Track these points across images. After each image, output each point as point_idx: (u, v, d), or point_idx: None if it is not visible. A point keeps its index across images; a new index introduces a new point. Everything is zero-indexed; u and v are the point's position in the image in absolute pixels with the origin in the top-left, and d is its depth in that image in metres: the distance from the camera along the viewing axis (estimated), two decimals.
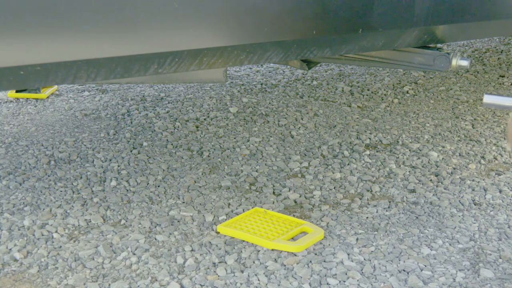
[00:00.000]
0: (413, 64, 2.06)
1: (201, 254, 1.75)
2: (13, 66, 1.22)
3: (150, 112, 2.96)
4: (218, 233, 1.85)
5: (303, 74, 3.63)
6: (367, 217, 1.97)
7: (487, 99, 1.51)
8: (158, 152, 2.48)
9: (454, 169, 2.35)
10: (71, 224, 1.92)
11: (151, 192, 2.13)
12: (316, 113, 2.95)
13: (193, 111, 2.97)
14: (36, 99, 3.18)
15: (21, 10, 1.18)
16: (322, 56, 1.72)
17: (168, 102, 3.11)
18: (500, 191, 2.16)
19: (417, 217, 1.98)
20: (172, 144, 2.56)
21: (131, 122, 2.82)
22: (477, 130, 2.76)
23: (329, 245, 1.80)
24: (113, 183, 2.19)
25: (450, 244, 1.81)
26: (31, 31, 1.21)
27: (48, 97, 3.22)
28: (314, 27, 1.56)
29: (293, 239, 1.83)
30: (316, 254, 1.75)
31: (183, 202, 2.07)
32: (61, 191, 2.14)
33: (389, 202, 2.07)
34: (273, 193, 2.15)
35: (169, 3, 1.32)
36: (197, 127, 2.76)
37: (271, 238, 1.80)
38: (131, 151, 2.48)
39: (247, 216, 1.93)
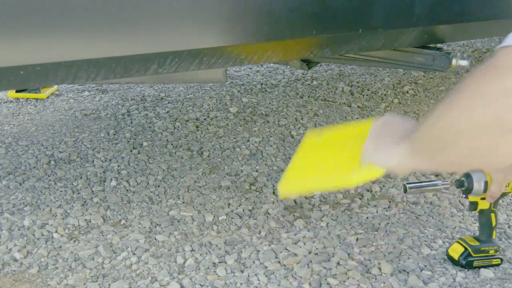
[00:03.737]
0: (413, 64, 2.06)
1: (201, 254, 1.75)
2: (13, 66, 1.22)
3: (150, 112, 2.95)
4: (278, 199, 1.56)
5: (303, 74, 3.63)
6: (367, 217, 1.97)
7: (410, 188, 1.60)
8: (158, 152, 2.48)
9: None
10: (71, 224, 1.91)
11: (151, 192, 2.13)
12: (316, 113, 2.95)
13: (193, 111, 2.97)
14: (36, 99, 3.18)
15: (21, 10, 1.18)
16: (322, 56, 1.72)
17: (168, 102, 3.11)
18: None
19: (417, 217, 1.98)
20: (172, 144, 2.55)
21: (131, 122, 2.82)
22: None
23: (329, 245, 1.80)
24: (113, 183, 2.19)
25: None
26: (31, 31, 1.21)
27: (48, 97, 3.22)
28: (314, 27, 1.56)
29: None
30: (316, 254, 1.75)
31: (183, 202, 2.06)
32: (61, 191, 2.14)
33: (389, 202, 2.07)
34: (273, 193, 2.15)
35: (169, 3, 1.32)
36: (197, 127, 2.76)
37: (345, 172, 1.25)
38: (131, 151, 2.48)
39: (304, 158, 1.40)
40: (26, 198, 2.08)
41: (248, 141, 2.59)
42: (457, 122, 0.89)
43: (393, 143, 1.17)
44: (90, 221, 1.93)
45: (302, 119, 2.86)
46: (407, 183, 1.62)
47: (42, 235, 1.85)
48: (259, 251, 1.76)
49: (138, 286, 1.61)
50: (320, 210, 2.02)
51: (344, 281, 1.63)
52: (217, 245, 1.79)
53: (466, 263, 1.67)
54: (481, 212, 1.68)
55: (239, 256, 1.74)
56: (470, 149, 0.88)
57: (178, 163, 2.37)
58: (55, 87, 3.34)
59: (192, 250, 1.77)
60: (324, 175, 1.28)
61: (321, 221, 1.95)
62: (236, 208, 2.02)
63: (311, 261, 1.71)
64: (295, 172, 1.39)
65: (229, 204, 2.06)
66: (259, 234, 1.87)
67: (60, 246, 1.79)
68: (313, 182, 1.30)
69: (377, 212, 2.01)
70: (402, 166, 1.15)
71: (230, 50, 1.47)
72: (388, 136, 1.21)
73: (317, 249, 1.78)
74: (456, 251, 1.70)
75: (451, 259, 1.71)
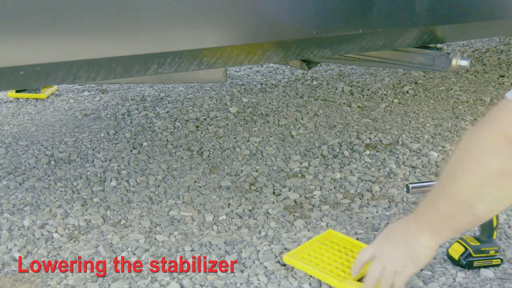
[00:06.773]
0: (413, 64, 2.06)
1: (201, 254, 1.74)
2: (13, 66, 1.22)
3: (150, 112, 2.95)
4: (284, 265, 1.68)
5: (303, 74, 3.63)
6: (367, 217, 1.97)
7: (412, 188, 1.61)
8: (158, 152, 2.48)
9: None
10: (71, 224, 1.91)
11: (151, 192, 2.13)
12: (316, 113, 2.95)
13: (193, 111, 2.97)
14: (36, 99, 3.18)
15: (21, 10, 1.18)
16: (322, 56, 1.72)
17: (168, 102, 3.11)
18: None
19: None
20: (172, 144, 2.55)
21: (131, 122, 2.82)
22: None
23: None
24: (113, 183, 2.19)
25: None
26: (31, 31, 1.21)
27: (48, 97, 3.22)
28: (314, 27, 1.56)
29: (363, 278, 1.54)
30: None
31: (183, 202, 2.06)
32: (61, 191, 2.14)
33: (389, 202, 2.07)
34: (273, 193, 2.15)
35: (169, 3, 1.32)
36: (197, 127, 2.76)
37: (342, 276, 1.58)
38: (131, 151, 2.48)
39: (317, 242, 1.74)
40: (26, 198, 2.08)
41: (248, 141, 2.59)
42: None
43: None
44: (90, 221, 1.93)
45: (302, 119, 2.86)
46: (410, 183, 1.62)
47: (42, 235, 1.85)
48: (259, 251, 1.76)
49: (138, 286, 1.61)
50: (320, 210, 2.02)
51: None
52: (217, 245, 1.79)
53: (466, 263, 1.67)
54: None
55: (239, 256, 1.74)
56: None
57: (178, 163, 2.37)
58: (55, 87, 3.34)
59: (192, 250, 1.77)
60: (322, 270, 1.60)
61: (321, 221, 1.95)
62: (236, 208, 2.02)
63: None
64: (303, 253, 1.68)
65: (229, 204, 2.06)
66: (259, 234, 1.87)
67: (60, 246, 1.79)
68: (312, 270, 1.61)
69: (377, 212, 2.01)
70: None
71: (230, 50, 1.47)
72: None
73: None
74: (457, 251, 1.70)
75: (451, 259, 1.71)
